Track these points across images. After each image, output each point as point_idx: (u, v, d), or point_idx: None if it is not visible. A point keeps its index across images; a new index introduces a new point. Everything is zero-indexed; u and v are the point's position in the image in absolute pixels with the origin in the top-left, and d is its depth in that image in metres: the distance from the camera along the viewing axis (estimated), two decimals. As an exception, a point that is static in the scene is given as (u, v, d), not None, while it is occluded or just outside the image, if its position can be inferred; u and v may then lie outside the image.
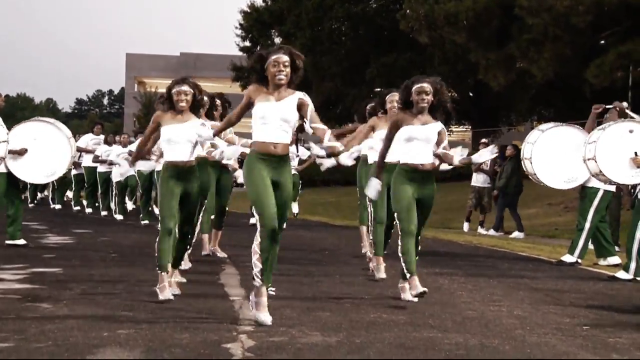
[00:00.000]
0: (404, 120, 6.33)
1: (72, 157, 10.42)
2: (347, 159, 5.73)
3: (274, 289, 6.02)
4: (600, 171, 8.62)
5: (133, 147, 13.73)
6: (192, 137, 6.21)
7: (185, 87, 6.32)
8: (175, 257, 6.52)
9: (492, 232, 15.26)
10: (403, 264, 6.33)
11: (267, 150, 5.50)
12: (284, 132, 5.53)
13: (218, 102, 8.38)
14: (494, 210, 16.03)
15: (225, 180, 9.04)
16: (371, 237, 8.02)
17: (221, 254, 9.34)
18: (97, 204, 17.71)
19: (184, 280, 7.01)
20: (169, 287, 6.22)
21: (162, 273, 6.23)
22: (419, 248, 6.49)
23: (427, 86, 6.24)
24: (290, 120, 5.53)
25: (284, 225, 5.63)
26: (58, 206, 19.19)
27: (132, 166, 6.81)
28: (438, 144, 6.38)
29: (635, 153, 8.47)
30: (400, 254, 6.33)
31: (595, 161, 8.59)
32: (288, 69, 5.50)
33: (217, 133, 6.01)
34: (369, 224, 8.14)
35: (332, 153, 5.61)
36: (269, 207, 5.41)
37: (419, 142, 6.28)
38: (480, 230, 15.65)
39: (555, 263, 9.83)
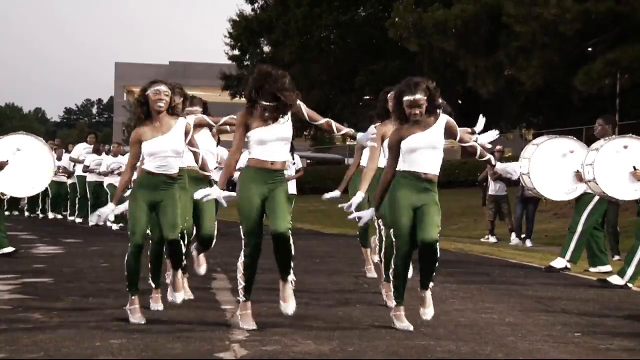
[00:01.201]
0: (404, 133, 5.73)
1: (55, 169, 10.41)
2: (365, 139, 5.93)
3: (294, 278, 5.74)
4: (603, 192, 8.69)
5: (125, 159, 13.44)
6: (179, 148, 5.88)
7: (163, 87, 5.84)
8: (170, 260, 6.16)
9: (528, 242, 14.53)
10: (392, 289, 5.92)
11: (263, 166, 5.54)
12: (282, 150, 5.56)
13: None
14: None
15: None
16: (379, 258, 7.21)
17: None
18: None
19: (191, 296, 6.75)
20: (140, 310, 5.81)
21: (132, 296, 5.83)
22: (437, 260, 5.76)
23: (419, 97, 5.62)
24: (289, 137, 5.59)
25: (289, 232, 5.50)
26: (51, 215, 19.17)
27: (117, 205, 6.20)
28: (454, 137, 5.81)
29: (634, 167, 8.52)
30: (391, 277, 5.92)
31: (596, 183, 8.65)
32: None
33: (224, 182, 5.63)
34: (373, 245, 7.95)
35: (347, 135, 5.87)
36: (253, 224, 5.52)
37: (424, 151, 5.69)
38: (514, 239, 15.05)
39: (544, 269, 9.85)
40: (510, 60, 24.63)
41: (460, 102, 34.82)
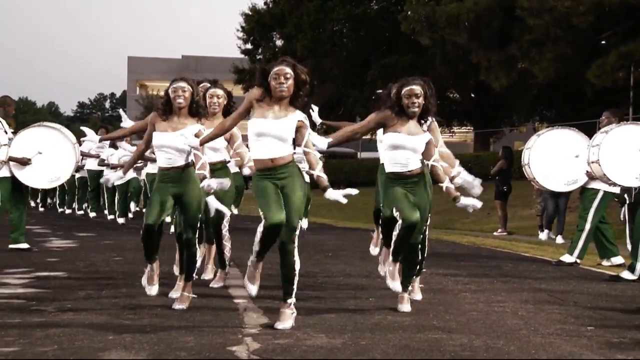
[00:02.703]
0: (390, 121, 6.07)
1: (76, 163, 10.48)
2: (335, 194, 5.48)
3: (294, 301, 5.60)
4: (604, 174, 8.67)
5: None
6: (181, 146, 6.05)
7: (184, 84, 6.14)
8: (185, 268, 6.24)
9: (560, 238, 13.79)
10: (392, 253, 6.12)
11: (264, 166, 5.47)
12: (280, 146, 5.44)
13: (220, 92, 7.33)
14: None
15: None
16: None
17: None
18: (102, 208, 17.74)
19: (193, 295, 6.43)
20: (157, 280, 6.18)
21: (149, 264, 6.17)
22: (417, 261, 6.21)
23: (417, 89, 5.98)
24: (287, 139, 5.45)
25: (294, 237, 5.45)
26: (69, 210, 19.26)
27: (124, 175, 6.57)
28: (427, 156, 6.11)
29: None
30: (392, 241, 6.09)
31: (599, 164, 8.64)
32: (290, 82, 5.41)
33: (206, 141, 5.94)
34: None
35: (318, 183, 5.58)
36: (272, 206, 5.36)
37: (405, 151, 6.04)
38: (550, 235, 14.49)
39: (554, 263, 9.83)
40: (523, 53, 24.52)
41: (473, 95, 34.75)
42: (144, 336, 4.94)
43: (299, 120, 5.49)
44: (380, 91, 7.72)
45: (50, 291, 6.82)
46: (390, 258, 6.16)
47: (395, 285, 6.10)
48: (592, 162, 8.78)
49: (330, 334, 5.12)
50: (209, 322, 5.50)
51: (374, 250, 7.98)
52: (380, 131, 6.58)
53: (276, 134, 5.43)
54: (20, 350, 4.55)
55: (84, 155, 17.94)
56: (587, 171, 9.29)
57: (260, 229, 5.41)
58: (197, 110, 6.21)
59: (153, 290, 6.18)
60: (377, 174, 7.66)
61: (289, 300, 5.49)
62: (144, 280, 6.22)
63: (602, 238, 9.80)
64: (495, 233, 15.83)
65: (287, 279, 5.49)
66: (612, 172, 8.67)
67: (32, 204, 21.10)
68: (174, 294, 6.37)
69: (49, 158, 10.07)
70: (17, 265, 8.54)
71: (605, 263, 9.78)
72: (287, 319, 5.41)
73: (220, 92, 7.16)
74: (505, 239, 14.42)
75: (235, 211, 16.04)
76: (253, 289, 5.58)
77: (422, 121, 6.14)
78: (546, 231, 14.27)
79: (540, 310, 6.30)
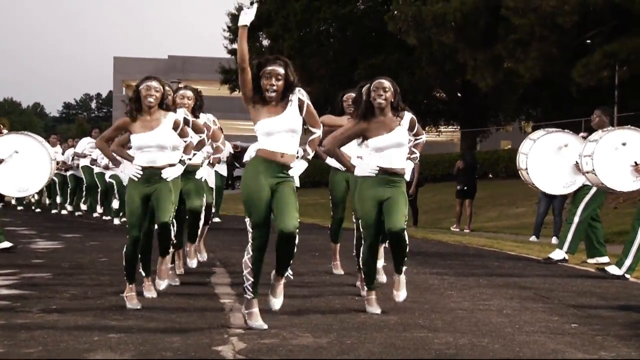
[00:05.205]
0: (371, 131, 6.00)
1: (49, 179, 10.34)
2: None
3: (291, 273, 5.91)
4: (602, 183, 8.75)
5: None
6: (165, 143, 6.18)
7: (156, 84, 6.19)
8: (159, 246, 6.44)
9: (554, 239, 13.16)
10: (363, 275, 6.36)
11: (273, 158, 5.37)
12: (291, 142, 5.41)
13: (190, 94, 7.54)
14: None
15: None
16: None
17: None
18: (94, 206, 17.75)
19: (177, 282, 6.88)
20: (136, 297, 6.15)
21: (130, 284, 6.15)
22: (405, 246, 6.02)
23: (385, 82, 5.98)
24: (298, 130, 5.44)
25: (294, 227, 5.31)
26: (55, 210, 19.27)
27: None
28: (416, 134, 6.30)
29: (635, 162, 8.59)
30: (361, 264, 6.34)
31: (595, 174, 8.71)
32: (281, 82, 5.36)
33: None
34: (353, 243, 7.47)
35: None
36: (262, 216, 5.34)
37: (391, 150, 5.99)
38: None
39: (542, 261, 9.87)
40: (508, 52, 24.62)
41: (459, 94, 34.84)
42: (129, 337, 4.93)
43: (298, 99, 5.44)
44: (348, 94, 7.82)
45: (35, 292, 6.79)
46: (364, 285, 6.27)
47: (375, 309, 6.04)
48: (587, 172, 8.84)
49: (316, 333, 5.13)
50: (194, 322, 5.49)
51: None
52: None
53: (287, 128, 5.38)
54: (5, 351, 4.53)
55: (78, 155, 17.97)
56: (577, 162, 9.32)
57: (247, 255, 5.36)
58: (166, 107, 6.35)
59: (138, 305, 6.08)
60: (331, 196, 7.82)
61: (286, 274, 5.61)
62: (127, 304, 6.08)
63: (592, 236, 9.85)
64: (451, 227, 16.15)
65: (287, 258, 5.41)
66: (610, 179, 8.72)
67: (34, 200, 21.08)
68: (148, 293, 6.49)
69: (23, 167, 9.89)
70: (1, 266, 8.49)
71: (590, 261, 9.83)
72: (281, 293, 5.51)
73: (189, 93, 7.46)
74: (491, 237, 14.44)
75: (217, 219, 16.06)
76: (262, 324, 5.30)
77: (397, 117, 6.06)
78: (533, 237, 13.90)
79: (525, 308, 6.33)
